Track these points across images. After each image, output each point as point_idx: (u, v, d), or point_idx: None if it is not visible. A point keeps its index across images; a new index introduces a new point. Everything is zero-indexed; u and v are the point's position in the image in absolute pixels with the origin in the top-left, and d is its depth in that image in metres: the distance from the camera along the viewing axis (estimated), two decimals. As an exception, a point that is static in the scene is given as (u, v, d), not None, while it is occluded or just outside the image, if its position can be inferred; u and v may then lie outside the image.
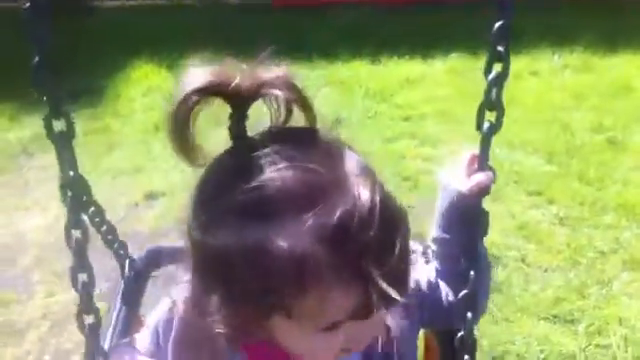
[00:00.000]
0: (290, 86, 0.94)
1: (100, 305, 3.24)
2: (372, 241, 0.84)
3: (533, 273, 3.43)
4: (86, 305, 1.09)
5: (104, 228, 1.43)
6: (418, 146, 4.81)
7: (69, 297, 3.39)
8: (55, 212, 4.16)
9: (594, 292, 3.28)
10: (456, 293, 1.11)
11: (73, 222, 1.05)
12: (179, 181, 4.33)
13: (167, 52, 6.31)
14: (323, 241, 0.82)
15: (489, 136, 1.07)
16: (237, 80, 0.92)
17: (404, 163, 4.56)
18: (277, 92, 0.93)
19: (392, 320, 1.11)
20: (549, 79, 6.11)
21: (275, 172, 0.86)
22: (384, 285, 0.84)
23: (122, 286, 1.57)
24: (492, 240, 3.63)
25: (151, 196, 4.26)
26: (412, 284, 1.11)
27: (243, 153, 0.91)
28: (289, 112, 0.97)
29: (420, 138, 4.92)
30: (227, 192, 0.88)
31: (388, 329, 1.13)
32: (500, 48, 1.07)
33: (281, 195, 0.85)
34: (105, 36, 7.14)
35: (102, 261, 3.77)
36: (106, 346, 1.31)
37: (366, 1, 7.98)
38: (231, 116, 0.95)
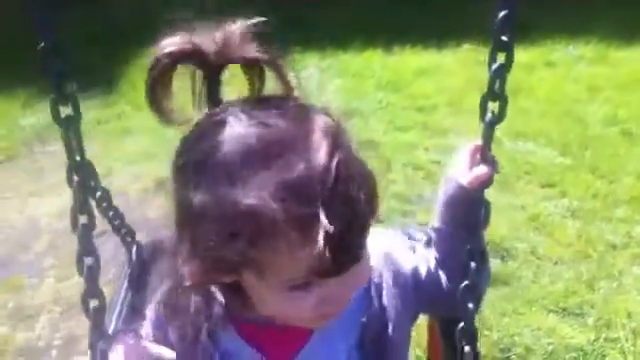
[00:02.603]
0: (258, 49, 1.01)
1: (112, 290, 3.27)
2: (325, 199, 0.87)
3: (543, 266, 3.42)
4: (91, 289, 1.09)
5: (111, 213, 1.45)
6: (430, 136, 4.80)
7: (81, 282, 3.41)
8: (69, 198, 4.19)
9: (604, 286, 3.26)
10: (455, 283, 1.12)
11: (79, 206, 1.09)
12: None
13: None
14: (278, 195, 0.86)
15: (492, 126, 1.09)
16: (203, 46, 1.00)
17: (416, 153, 4.55)
18: (253, 54, 1.01)
19: (385, 300, 1.17)
20: (564, 70, 6.07)
21: (239, 128, 0.93)
22: (338, 238, 0.87)
23: (128, 272, 1.60)
24: (502, 232, 3.63)
25: (163, 183, 4.26)
26: (409, 269, 1.22)
27: (214, 113, 0.98)
28: (262, 76, 1.04)
29: (432, 128, 4.91)
30: (190, 151, 0.97)
31: (370, 300, 1.17)
32: (504, 38, 1.05)
33: (240, 150, 0.90)
34: (120, 24, 7.15)
35: (114, 250, 3.81)
36: (111, 331, 1.30)
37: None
38: (204, 81, 1.03)
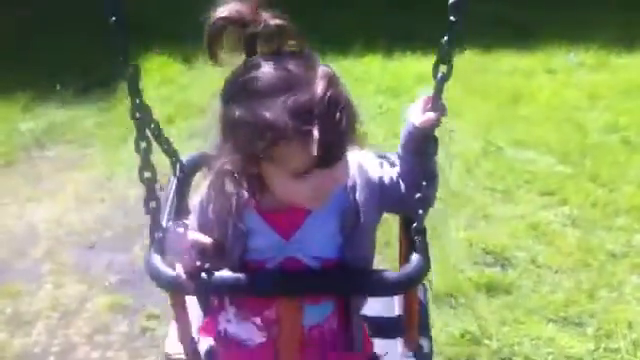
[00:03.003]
0: (281, 18, 1.49)
1: (109, 297, 3.24)
2: (321, 116, 1.35)
3: (543, 274, 3.41)
4: (150, 194, 1.57)
5: (162, 139, 1.86)
6: (429, 143, 4.79)
7: (78, 289, 3.42)
8: (66, 204, 4.18)
9: (604, 295, 3.25)
10: (411, 194, 1.59)
11: (141, 135, 1.55)
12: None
13: (181, 44, 6.33)
14: (288, 113, 1.34)
15: (442, 82, 1.48)
16: (245, 14, 1.45)
17: (416, 160, 4.54)
18: (276, 22, 1.47)
19: (358, 197, 1.62)
20: (564, 77, 6.06)
21: (265, 69, 1.41)
22: (325, 143, 1.35)
23: (174, 183, 2.00)
24: (502, 241, 3.62)
25: (164, 188, 4.26)
26: (377, 177, 1.65)
27: (250, 60, 1.47)
28: (283, 38, 1.48)
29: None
30: (235, 79, 1.46)
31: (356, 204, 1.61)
32: (452, 18, 1.43)
33: (266, 83, 1.39)
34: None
35: (113, 257, 3.79)
36: (163, 222, 1.72)
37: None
38: (245, 40, 1.48)
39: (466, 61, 6.33)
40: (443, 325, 3.08)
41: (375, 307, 1.98)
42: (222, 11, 1.45)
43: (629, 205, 3.98)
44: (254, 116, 1.36)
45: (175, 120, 5.15)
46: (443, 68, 1.46)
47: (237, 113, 1.40)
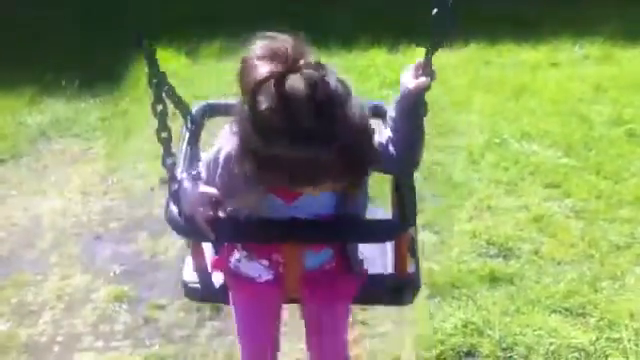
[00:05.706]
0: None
1: (114, 288, 3.26)
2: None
3: (546, 266, 3.42)
4: (167, 152, 1.73)
5: (176, 99, 2.05)
6: (434, 136, 4.79)
7: (83, 280, 3.44)
8: (72, 196, 4.21)
9: (607, 286, 3.26)
10: (400, 152, 1.74)
11: (157, 98, 1.69)
12: (195, 167, 4.36)
13: (186, 38, 6.35)
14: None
15: (433, 50, 1.67)
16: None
17: (419, 153, 4.54)
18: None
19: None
20: (569, 70, 6.05)
21: None
22: None
23: (187, 134, 2.13)
24: (505, 232, 3.63)
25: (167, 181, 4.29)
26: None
27: None
28: None
29: (437, 128, 4.90)
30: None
31: None
32: None
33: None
34: (123, 21, 7.15)
35: (117, 248, 3.81)
36: (178, 175, 1.82)
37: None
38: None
39: (471, 54, 6.33)
40: (446, 316, 3.10)
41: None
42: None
43: (633, 197, 3.99)
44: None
45: (178, 114, 5.18)
46: (435, 37, 1.64)
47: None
